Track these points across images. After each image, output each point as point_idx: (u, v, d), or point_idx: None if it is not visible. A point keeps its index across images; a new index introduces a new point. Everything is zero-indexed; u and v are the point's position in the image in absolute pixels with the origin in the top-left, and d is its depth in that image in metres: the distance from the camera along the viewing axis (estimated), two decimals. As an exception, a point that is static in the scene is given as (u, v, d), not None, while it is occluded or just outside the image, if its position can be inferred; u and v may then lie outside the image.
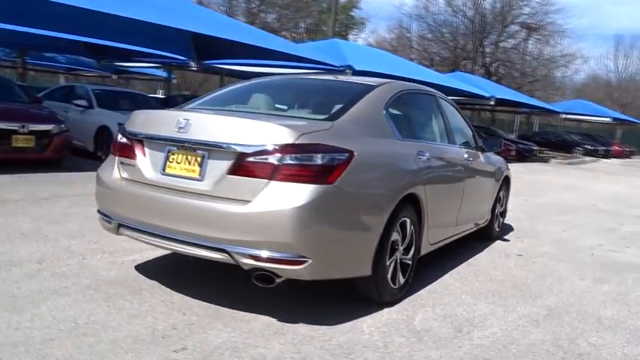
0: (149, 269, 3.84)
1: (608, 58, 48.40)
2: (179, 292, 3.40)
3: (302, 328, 3.01)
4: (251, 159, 2.86)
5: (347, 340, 2.92)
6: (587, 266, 5.08)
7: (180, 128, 3.06)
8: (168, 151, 3.15)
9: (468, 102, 21.13)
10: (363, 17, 43.30)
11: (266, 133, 2.89)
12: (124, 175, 3.34)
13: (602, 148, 31.48)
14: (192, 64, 15.91)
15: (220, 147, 2.95)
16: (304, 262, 2.80)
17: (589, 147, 30.68)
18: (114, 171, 3.40)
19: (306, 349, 2.77)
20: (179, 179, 3.08)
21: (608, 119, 33.25)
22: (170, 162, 3.14)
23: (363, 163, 3.08)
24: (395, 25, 40.23)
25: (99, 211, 3.54)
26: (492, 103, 19.41)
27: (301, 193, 2.79)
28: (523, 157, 22.71)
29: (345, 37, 31.59)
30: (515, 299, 3.88)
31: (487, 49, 34.79)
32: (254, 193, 2.83)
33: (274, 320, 3.09)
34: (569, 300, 3.98)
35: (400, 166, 3.49)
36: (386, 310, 3.40)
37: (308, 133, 2.92)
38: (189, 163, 3.06)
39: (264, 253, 2.80)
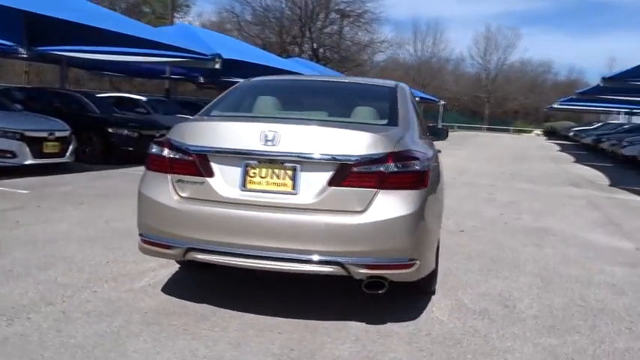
0: (179, 291, 3.54)
1: (408, 43, 53.91)
2: (244, 311, 3.24)
3: (396, 327, 3.15)
4: (356, 169, 2.86)
5: (443, 329, 3.15)
6: (516, 234, 5.97)
7: (267, 141, 2.90)
8: (247, 166, 2.97)
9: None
10: (187, -2, 41.48)
11: (366, 143, 2.91)
12: (185, 194, 3.04)
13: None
14: (22, 50, 13.82)
15: (316, 159, 2.89)
16: (414, 264, 2.93)
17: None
18: (169, 190, 3.06)
19: (421, 345, 2.93)
20: (267, 194, 2.94)
21: (417, 98, 37.18)
22: (251, 177, 2.96)
23: (434, 166, 3.30)
24: (222, 9, 39.54)
25: (146, 238, 3.17)
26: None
27: (409, 199, 2.90)
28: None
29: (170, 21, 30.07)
30: (507, 270, 4.47)
31: (313, 35, 36.34)
32: (363, 202, 2.86)
33: (364, 324, 3.16)
34: (540, 264, 4.71)
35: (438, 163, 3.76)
36: (434, 298, 3.67)
37: (399, 141, 3.02)
38: (278, 177, 2.94)
39: (379, 261, 2.86)
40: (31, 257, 4.12)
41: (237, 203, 2.95)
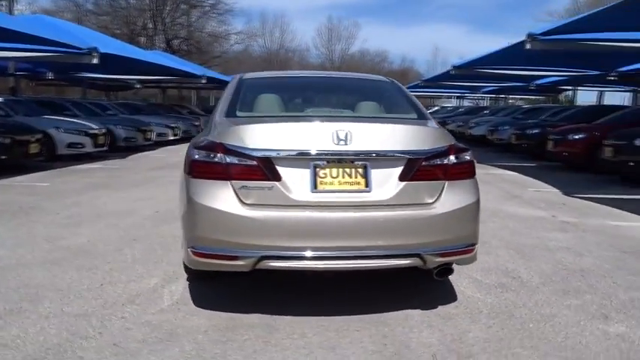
0: (213, 305, 3.32)
1: (258, 35, 54.03)
2: (301, 315, 3.17)
3: (449, 309, 3.35)
4: (425, 163, 2.98)
5: (487, 305, 3.42)
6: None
7: (340, 140, 2.89)
8: (315, 167, 2.91)
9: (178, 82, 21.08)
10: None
11: (432, 137, 3.07)
12: (250, 200, 2.88)
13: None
14: None
15: (389, 155, 2.95)
16: (474, 248, 3.14)
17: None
18: (233, 197, 2.87)
19: (486, 322, 3.16)
20: (341, 194, 2.92)
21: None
22: (322, 177, 2.92)
23: None
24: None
25: (201, 250, 2.94)
26: (204, 81, 19.85)
27: (470, 188, 3.11)
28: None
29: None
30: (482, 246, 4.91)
31: (166, 26, 34.48)
32: (433, 195, 2.99)
33: (420, 310, 3.30)
34: (499, 237, 5.24)
35: None
36: (451, 278, 3.93)
37: (448, 135, 3.19)
38: (350, 175, 2.93)
39: (450, 248, 3.02)
40: None
41: (309, 205, 2.89)
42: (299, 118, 3.34)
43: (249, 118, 3.32)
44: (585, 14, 10.35)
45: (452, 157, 3.06)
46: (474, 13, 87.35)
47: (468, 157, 3.16)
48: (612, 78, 18.28)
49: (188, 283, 3.74)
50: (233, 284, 3.68)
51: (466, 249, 3.10)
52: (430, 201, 2.99)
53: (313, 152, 2.91)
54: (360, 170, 2.95)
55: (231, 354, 2.71)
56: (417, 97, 4.28)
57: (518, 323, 3.15)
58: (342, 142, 2.89)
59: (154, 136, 15.87)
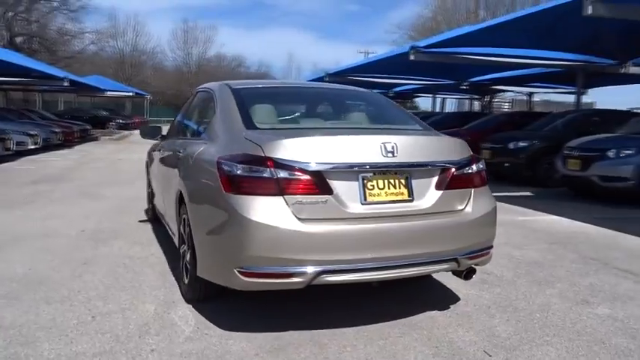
0: (239, 325, 3.17)
1: (112, 36, 50.47)
2: (335, 327, 3.17)
3: (459, 308, 3.59)
4: (456, 172, 3.18)
5: (486, 300, 3.71)
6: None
7: (388, 152, 2.97)
8: (364, 179, 2.95)
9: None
10: None
11: (460, 148, 3.29)
12: (304, 215, 2.82)
13: (130, 121, 33.73)
14: None
15: (427, 166, 3.10)
16: (491, 249, 3.41)
17: (121, 121, 32.32)
18: (288, 213, 2.79)
19: (499, 316, 3.44)
20: (388, 205, 3.00)
21: (130, 93, 35.44)
22: (370, 189, 2.97)
23: None
24: None
25: (253, 270, 2.81)
26: (66, 84, 18.01)
27: (489, 194, 3.42)
28: (82, 138, 22.31)
29: None
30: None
31: (9, 21, 30.45)
32: (463, 202, 3.20)
33: (437, 311, 3.50)
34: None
35: None
36: (439, 277, 4.18)
37: (467, 145, 3.44)
38: (394, 186, 3.02)
39: (477, 251, 3.24)
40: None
41: (362, 217, 2.92)
42: (347, 131, 3.36)
43: (287, 130, 3.28)
44: (461, 32, 11.55)
45: (474, 166, 3.30)
46: (322, 22, 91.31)
47: (482, 166, 3.42)
48: (465, 87, 20.59)
49: (190, 305, 3.50)
50: (232, 302, 3.52)
51: (488, 250, 3.36)
52: (461, 208, 3.20)
53: (362, 164, 2.95)
54: (403, 181, 3.06)
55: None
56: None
57: (527, 314, 3.49)
58: (389, 155, 2.98)
59: (13, 146, 14.11)
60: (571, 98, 21.40)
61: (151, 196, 5.92)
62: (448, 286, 4.01)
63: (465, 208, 3.21)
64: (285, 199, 2.81)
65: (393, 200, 3.02)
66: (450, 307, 3.57)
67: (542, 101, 31.27)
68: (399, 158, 3.01)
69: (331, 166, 2.88)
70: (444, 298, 3.73)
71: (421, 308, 3.51)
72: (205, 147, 3.45)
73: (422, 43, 11.96)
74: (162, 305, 3.52)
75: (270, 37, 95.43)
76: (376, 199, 2.98)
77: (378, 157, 2.97)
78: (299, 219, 2.81)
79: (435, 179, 3.14)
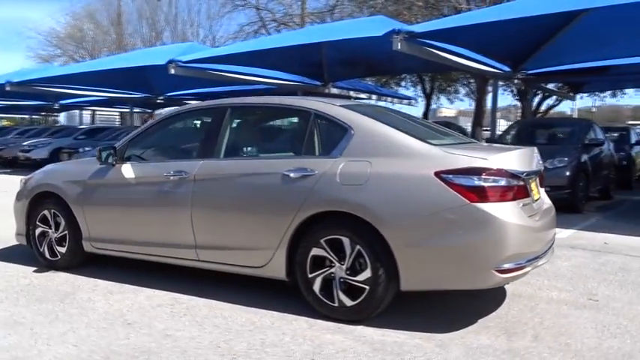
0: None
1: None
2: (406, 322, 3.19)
3: (485, 298, 3.79)
4: (540, 175, 3.93)
5: (501, 292, 3.95)
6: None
7: (538, 161, 3.84)
8: (530, 182, 3.59)
9: None
10: None
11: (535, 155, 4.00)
12: (527, 215, 3.40)
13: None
14: None
15: (542, 170, 3.99)
16: None
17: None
18: (524, 214, 3.35)
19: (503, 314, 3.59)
20: (538, 202, 3.73)
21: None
22: (532, 190, 3.61)
23: None
24: None
25: (505, 268, 3.15)
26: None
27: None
28: None
29: None
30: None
31: None
32: (544, 196, 4.03)
33: (469, 310, 3.64)
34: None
35: None
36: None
37: None
38: (536, 188, 3.77)
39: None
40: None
41: (537, 214, 3.57)
42: (515, 147, 4.07)
43: (466, 145, 3.94)
44: (223, 53, 11.96)
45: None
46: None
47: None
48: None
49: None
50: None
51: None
52: (546, 200, 4.01)
53: (530, 172, 3.60)
54: (536, 184, 3.79)
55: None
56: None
57: (544, 303, 3.80)
58: (539, 162, 3.89)
59: None
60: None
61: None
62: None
63: (545, 199, 4.01)
64: (518, 203, 3.31)
65: (537, 199, 3.72)
66: (472, 301, 3.75)
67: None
68: (540, 166, 3.88)
69: (526, 173, 3.48)
70: (458, 292, 3.81)
71: (448, 311, 3.66)
72: (373, 163, 3.34)
73: (182, 58, 11.67)
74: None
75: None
76: (535, 197, 3.65)
77: (534, 166, 3.72)
78: (525, 218, 3.34)
79: (537, 181, 3.82)
